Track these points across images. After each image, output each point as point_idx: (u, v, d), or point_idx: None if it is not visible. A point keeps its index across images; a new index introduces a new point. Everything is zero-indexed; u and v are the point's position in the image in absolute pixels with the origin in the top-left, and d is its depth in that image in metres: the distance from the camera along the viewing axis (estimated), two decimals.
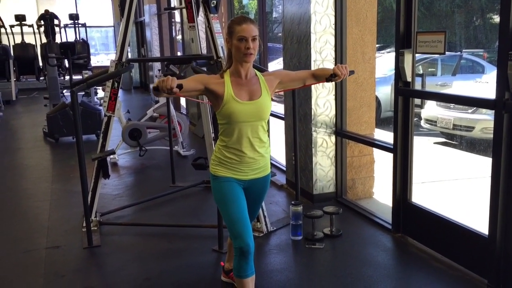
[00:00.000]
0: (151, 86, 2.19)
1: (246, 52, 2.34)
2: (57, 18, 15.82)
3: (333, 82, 4.27)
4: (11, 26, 15.49)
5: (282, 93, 4.70)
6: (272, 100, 2.55)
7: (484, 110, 6.35)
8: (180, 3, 5.96)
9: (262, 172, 2.57)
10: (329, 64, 4.28)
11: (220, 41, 3.94)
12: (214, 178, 2.53)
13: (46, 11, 15.69)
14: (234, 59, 2.43)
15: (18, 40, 15.47)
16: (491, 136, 2.81)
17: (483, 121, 6.36)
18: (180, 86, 2.18)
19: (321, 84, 4.28)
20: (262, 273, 3.21)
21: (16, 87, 13.78)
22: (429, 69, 8.61)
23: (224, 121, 2.45)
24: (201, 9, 4.10)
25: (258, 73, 2.52)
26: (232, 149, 2.45)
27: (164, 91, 2.15)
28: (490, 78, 7.52)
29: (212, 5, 3.87)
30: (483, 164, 5.68)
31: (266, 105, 2.46)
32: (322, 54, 4.25)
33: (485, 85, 7.30)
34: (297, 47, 4.45)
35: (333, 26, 4.23)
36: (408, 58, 3.40)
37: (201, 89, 2.40)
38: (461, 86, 7.98)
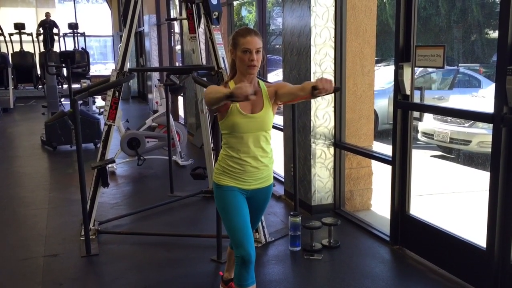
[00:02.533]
0: (229, 93, 2.12)
1: (250, 64, 2.37)
2: (56, 26, 15.88)
3: (332, 94, 4.32)
4: (10, 35, 15.54)
5: (281, 105, 4.73)
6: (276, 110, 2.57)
7: (481, 124, 6.40)
8: (181, 14, 6.01)
9: (265, 182, 2.58)
10: (329, 76, 4.31)
11: (222, 52, 3.97)
12: (217, 187, 2.54)
13: (47, 14, 15.75)
14: (238, 70, 2.46)
15: (17, 48, 15.51)
16: (488, 150, 2.84)
17: (480, 135, 6.41)
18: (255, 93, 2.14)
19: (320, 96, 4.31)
20: (261, 284, 3.20)
21: (14, 95, 13.79)
22: (426, 83, 8.68)
23: (227, 131, 2.47)
24: (202, 20, 4.15)
25: (262, 84, 2.53)
26: (235, 158, 2.47)
27: (239, 98, 2.11)
28: (486, 92, 7.58)
29: (214, 17, 3.91)
30: (480, 178, 5.72)
31: (269, 117, 2.49)
32: (322, 67, 4.29)
33: (481, 99, 7.36)
34: (297, 59, 4.49)
35: (333, 39, 4.28)
36: (407, 72, 3.44)
37: None
38: (458, 100, 8.04)
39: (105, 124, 4.04)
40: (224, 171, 2.51)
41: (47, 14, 16.00)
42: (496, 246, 2.86)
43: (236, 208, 2.48)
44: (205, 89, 3.52)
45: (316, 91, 2.21)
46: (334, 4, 4.23)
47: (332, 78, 4.32)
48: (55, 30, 16.02)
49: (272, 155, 2.57)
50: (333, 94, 4.35)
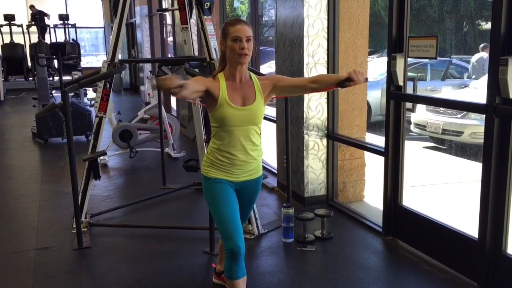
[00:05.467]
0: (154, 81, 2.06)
1: (241, 52, 2.32)
2: (46, 15, 15.69)
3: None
4: (0, 26, 15.36)
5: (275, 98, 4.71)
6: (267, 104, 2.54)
7: (473, 115, 6.42)
8: (173, 5, 5.96)
9: (254, 174, 2.56)
10: (322, 67, 4.30)
11: (213, 43, 3.94)
12: (205, 180, 2.52)
13: (31, 7, 15.54)
14: (228, 61, 2.42)
15: (7, 40, 15.34)
16: (480, 140, 2.85)
17: (472, 126, 6.43)
18: (182, 86, 2.07)
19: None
20: (253, 275, 3.21)
21: (5, 87, 13.66)
22: (419, 74, 8.69)
23: (216, 124, 2.44)
24: (194, 11, 4.10)
25: (253, 76, 2.49)
26: (224, 152, 2.44)
27: (165, 90, 2.06)
28: (478, 83, 7.60)
29: (206, 7, 3.87)
30: (472, 169, 5.74)
31: (260, 110, 2.45)
32: (314, 58, 4.27)
33: (473, 90, 7.38)
34: (290, 50, 4.47)
35: (326, 30, 4.25)
36: (400, 62, 3.43)
37: (203, 90, 2.35)
38: (450, 91, 8.07)
39: (96, 116, 4.00)
40: (212, 163, 2.48)
41: (32, 8, 15.83)
42: (488, 236, 2.87)
43: (225, 201, 2.46)
44: None
45: (350, 82, 2.28)
46: None
47: (325, 69, 4.31)
48: (47, 21, 15.86)
49: (261, 147, 2.55)
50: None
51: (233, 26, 2.35)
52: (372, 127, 7.85)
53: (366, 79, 2.44)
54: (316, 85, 2.46)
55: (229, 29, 2.35)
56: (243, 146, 2.43)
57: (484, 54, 8.05)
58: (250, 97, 2.42)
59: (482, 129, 2.87)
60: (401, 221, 3.64)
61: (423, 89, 7.98)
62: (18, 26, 15.46)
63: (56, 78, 13.09)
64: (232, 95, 2.38)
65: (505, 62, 2.61)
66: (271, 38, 12.01)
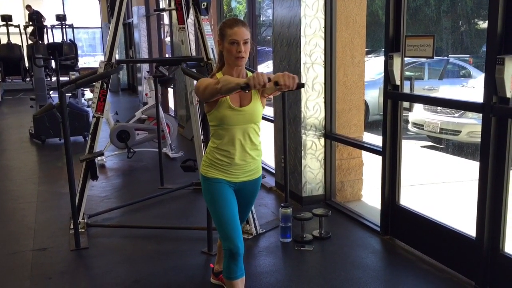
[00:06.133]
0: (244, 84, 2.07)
1: (238, 55, 2.34)
2: (42, 16, 15.65)
3: (323, 85, 4.31)
4: None
5: (271, 96, 4.71)
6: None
7: (470, 114, 6.43)
8: (170, 5, 5.95)
9: (254, 175, 2.56)
10: (319, 67, 4.30)
11: (211, 43, 3.93)
12: (204, 180, 2.52)
13: (28, 7, 15.49)
14: (226, 61, 2.42)
15: (4, 40, 15.30)
16: (477, 140, 2.85)
17: (470, 125, 6.44)
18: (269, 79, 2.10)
19: (310, 86, 4.30)
20: (252, 275, 3.20)
21: (2, 88, 13.63)
22: (416, 73, 8.70)
23: (215, 123, 2.44)
24: (191, 11, 4.10)
25: (250, 75, 2.50)
26: (223, 151, 2.44)
27: (256, 87, 2.09)
28: (476, 82, 7.61)
29: (203, 7, 3.87)
30: (469, 168, 5.75)
31: (258, 110, 2.45)
32: (312, 57, 4.26)
33: (471, 89, 7.39)
34: (287, 50, 4.47)
35: (323, 29, 4.25)
36: (397, 62, 3.43)
37: None
38: (447, 90, 8.07)
39: (93, 116, 4.00)
40: (211, 163, 2.48)
41: (28, 8, 15.79)
42: (485, 235, 2.87)
43: (224, 201, 2.45)
44: (195, 80, 3.49)
45: (277, 86, 2.13)
46: None
47: (323, 69, 4.31)
48: (44, 22, 15.83)
49: (260, 148, 2.55)
50: (323, 85, 4.34)
51: (230, 29, 2.34)
52: (370, 126, 7.85)
53: (301, 85, 2.35)
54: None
55: (226, 31, 2.35)
56: (242, 145, 2.43)
57: None
58: (247, 97, 2.42)
59: (479, 128, 2.88)
60: (399, 220, 3.64)
61: (420, 88, 7.99)
62: (15, 26, 15.42)
63: (54, 78, 13.06)
64: (232, 96, 2.38)
65: (502, 61, 2.61)
66: (268, 38, 12.01)
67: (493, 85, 2.69)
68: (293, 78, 2.11)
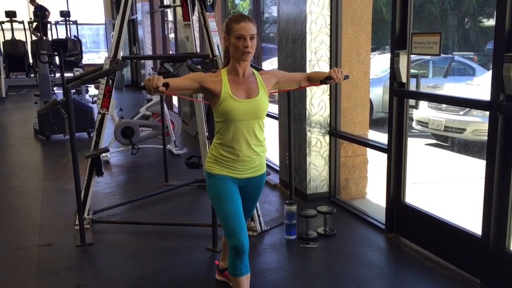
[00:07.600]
0: (142, 84, 2.23)
1: (244, 50, 2.34)
2: (45, 9, 15.63)
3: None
4: (1, 23, 15.34)
5: (276, 93, 4.71)
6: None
7: (475, 112, 6.41)
8: (175, 1, 5.94)
9: (258, 171, 2.56)
10: (324, 64, 4.29)
11: (216, 39, 3.93)
12: (209, 176, 2.52)
13: (32, 1, 15.48)
14: (231, 57, 2.42)
15: (8, 36, 15.33)
16: (482, 138, 2.84)
17: (474, 123, 6.41)
18: (166, 85, 2.23)
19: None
20: (257, 272, 3.21)
21: (6, 84, 13.65)
22: (421, 71, 8.67)
23: (220, 119, 2.44)
24: (196, 7, 4.10)
25: (255, 72, 2.51)
26: (228, 147, 2.45)
27: (150, 90, 2.20)
28: (481, 80, 7.58)
29: (209, 4, 3.86)
30: (474, 166, 5.73)
31: (263, 104, 2.46)
32: (317, 54, 4.25)
33: (476, 87, 7.36)
34: (292, 47, 4.46)
35: (329, 27, 4.24)
36: (403, 59, 3.42)
37: (196, 87, 2.40)
38: (452, 88, 8.04)
39: (99, 112, 4.00)
40: (216, 159, 2.48)
41: (32, 2, 15.77)
42: (491, 233, 2.86)
43: (229, 197, 2.46)
44: None
45: (330, 80, 2.52)
46: None
47: (328, 66, 4.30)
48: (49, 17, 15.82)
49: (265, 144, 2.55)
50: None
51: (237, 24, 2.34)
52: (374, 124, 7.83)
53: (347, 76, 2.69)
54: (309, 81, 2.65)
55: (233, 26, 2.35)
56: (246, 141, 2.43)
57: None
58: (254, 91, 2.43)
59: (484, 126, 2.87)
60: (404, 218, 3.63)
61: (425, 86, 7.96)
62: (20, 22, 15.44)
63: (58, 75, 13.08)
64: (235, 89, 2.39)
65: (510, 59, 2.60)
66: (272, 35, 11.99)
67: (500, 83, 2.67)
68: (341, 71, 2.54)
